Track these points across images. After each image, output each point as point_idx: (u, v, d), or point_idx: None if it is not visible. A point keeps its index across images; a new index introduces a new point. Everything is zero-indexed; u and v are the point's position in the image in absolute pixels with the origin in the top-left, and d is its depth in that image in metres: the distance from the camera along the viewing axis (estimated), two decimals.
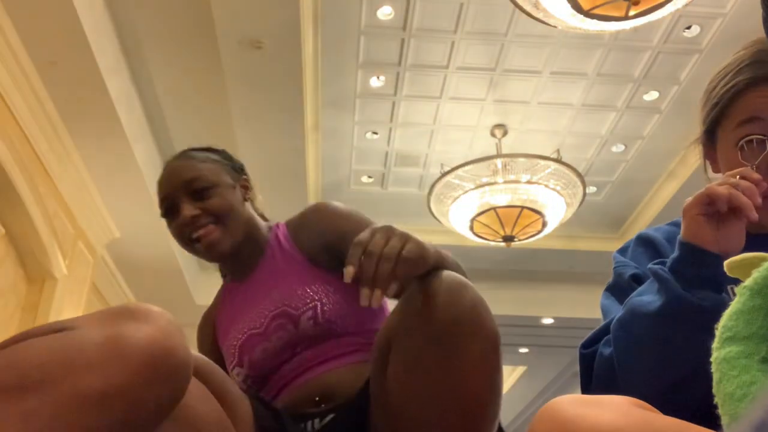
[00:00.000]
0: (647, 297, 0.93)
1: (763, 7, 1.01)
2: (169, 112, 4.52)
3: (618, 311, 1.00)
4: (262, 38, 3.80)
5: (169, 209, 1.39)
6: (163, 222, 1.47)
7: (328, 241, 1.31)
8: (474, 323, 1.04)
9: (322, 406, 1.21)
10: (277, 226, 1.44)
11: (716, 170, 1.10)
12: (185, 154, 1.46)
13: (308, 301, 1.27)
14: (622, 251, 1.15)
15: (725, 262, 0.75)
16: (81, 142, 4.09)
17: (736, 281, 0.73)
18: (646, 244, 1.13)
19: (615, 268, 1.12)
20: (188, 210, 1.35)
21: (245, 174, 1.49)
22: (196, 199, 1.36)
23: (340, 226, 1.30)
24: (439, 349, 0.98)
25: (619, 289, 1.09)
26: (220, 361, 1.36)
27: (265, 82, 4.13)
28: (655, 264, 0.95)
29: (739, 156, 1.00)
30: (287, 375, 1.27)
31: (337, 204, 1.37)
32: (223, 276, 1.51)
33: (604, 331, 1.03)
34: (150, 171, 4.65)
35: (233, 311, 1.39)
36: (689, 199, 0.91)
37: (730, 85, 1.02)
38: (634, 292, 0.97)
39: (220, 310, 1.46)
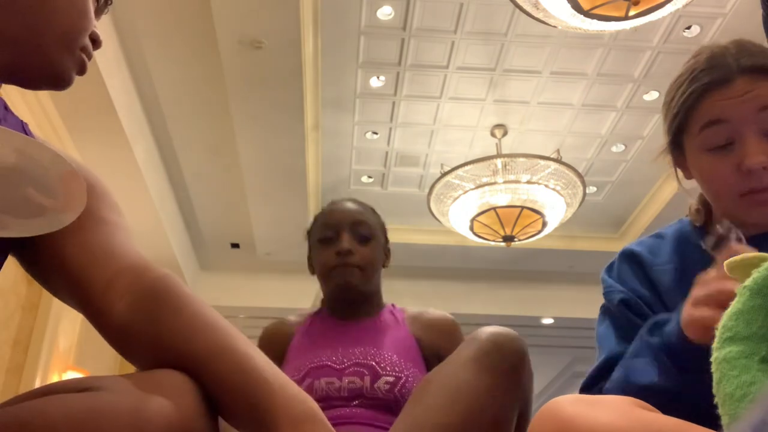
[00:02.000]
0: (640, 364, 0.92)
1: (763, 7, 1.01)
2: (169, 112, 4.52)
3: (612, 343, 1.04)
4: (262, 38, 3.79)
5: (329, 237, 1.54)
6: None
7: (442, 354, 1.35)
8: None
9: None
10: (393, 305, 1.59)
11: (689, 176, 1.10)
12: (357, 202, 1.64)
13: (398, 369, 1.37)
14: (609, 270, 1.15)
15: (725, 263, 0.75)
16: (81, 142, 4.09)
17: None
18: (630, 260, 1.12)
19: (604, 292, 1.13)
20: (348, 243, 1.51)
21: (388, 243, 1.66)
22: (356, 239, 1.53)
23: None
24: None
25: (611, 313, 1.11)
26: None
27: (265, 82, 4.13)
28: (651, 327, 0.95)
29: (708, 159, 1.01)
30: (331, 417, 1.28)
31: (461, 332, 1.50)
32: (319, 310, 1.61)
33: (604, 368, 1.03)
34: (150, 171, 4.65)
35: (321, 338, 1.49)
36: (690, 316, 0.85)
37: (687, 93, 1.02)
38: (629, 353, 0.97)
39: (306, 328, 1.54)
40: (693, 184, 1.13)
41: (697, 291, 0.84)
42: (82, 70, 0.83)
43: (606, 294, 1.12)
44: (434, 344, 1.45)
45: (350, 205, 1.60)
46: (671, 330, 0.89)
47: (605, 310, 1.12)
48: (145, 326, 0.70)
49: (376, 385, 1.33)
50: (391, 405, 1.32)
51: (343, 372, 1.36)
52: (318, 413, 0.65)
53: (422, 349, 1.45)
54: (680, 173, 1.12)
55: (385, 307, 1.58)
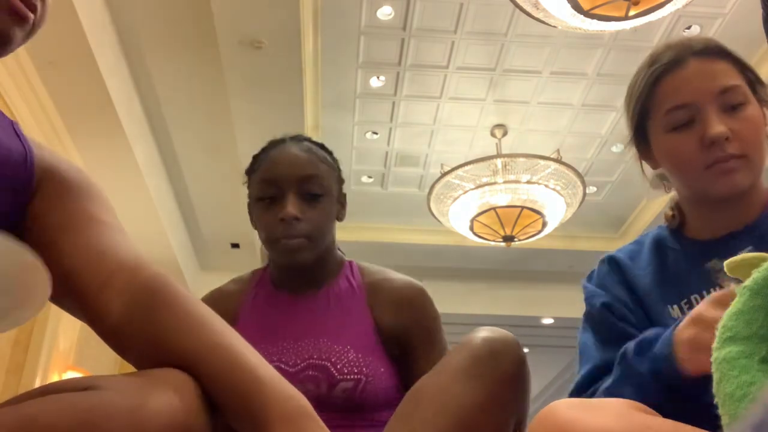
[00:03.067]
0: (627, 393, 0.89)
1: (763, 7, 1.02)
2: (169, 112, 4.52)
3: (594, 352, 1.03)
4: (262, 38, 3.79)
5: (272, 196, 1.29)
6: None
7: (406, 336, 1.26)
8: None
9: None
10: (351, 265, 1.37)
11: (654, 166, 1.13)
12: (305, 146, 1.35)
13: (356, 369, 1.20)
14: (589, 278, 1.16)
15: (725, 263, 0.75)
16: (81, 142, 4.09)
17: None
18: (610, 266, 1.13)
19: (586, 299, 1.12)
20: (293, 208, 1.26)
21: (343, 187, 1.41)
22: (304, 200, 1.28)
23: (427, 330, 1.28)
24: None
25: (592, 320, 1.09)
26: None
27: (265, 82, 4.12)
28: (637, 347, 0.93)
29: (672, 138, 1.04)
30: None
31: (431, 302, 1.32)
32: (263, 276, 1.42)
33: (589, 377, 1.03)
34: (150, 171, 4.65)
35: (271, 323, 1.29)
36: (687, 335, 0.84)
37: (647, 76, 1.07)
38: (613, 379, 0.96)
39: (250, 306, 1.35)
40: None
41: (701, 309, 0.84)
42: (20, 20, 0.72)
43: (587, 300, 1.11)
44: (395, 326, 1.26)
45: (296, 151, 1.32)
46: (660, 353, 0.87)
47: (587, 318, 1.11)
48: (139, 325, 0.70)
49: (333, 393, 1.18)
50: (351, 408, 1.19)
51: (297, 377, 1.19)
52: (310, 410, 0.66)
53: (381, 332, 1.25)
54: (646, 166, 1.16)
55: (342, 270, 1.35)
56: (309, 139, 1.39)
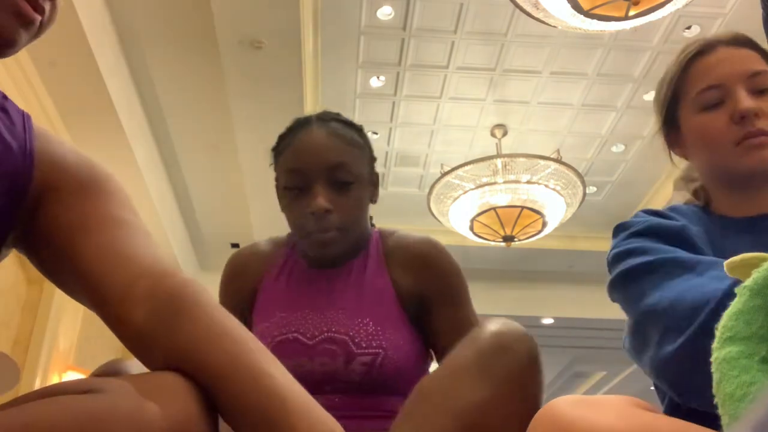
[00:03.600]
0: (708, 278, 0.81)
1: (763, 7, 1.02)
2: (169, 112, 4.52)
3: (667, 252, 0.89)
4: (262, 38, 3.79)
5: (299, 187, 1.23)
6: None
7: (425, 295, 1.22)
8: None
9: None
10: (376, 234, 1.32)
11: (682, 154, 1.17)
12: (332, 128, 1.26)
13: (375, 343, 1.16)
14: (628, 226, 1.07)
15: (725, 263, 0.75)
16: (81, 142, 4.09)
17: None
18: (670, 212, 1.10)
19: (645, 221, 1.01)
20: (323, 200, 1.19)
21: (375, 165, 1.34)
22: (333, 189, 1.21)
23: (447, 287, 1.23)
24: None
25: (666, 235, 0.96)
26: (238, 314, 1.26)
27: (265, 82, 4.12)
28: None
29: (703, 118, 1.06)
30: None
31: (448, 257, 1.26)
32: (294, 247, 1.37)
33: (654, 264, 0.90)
34: (150, 171, 4.65)
35: (293, 293, 1.26)
36: None
37: (678, 63, 1.15)
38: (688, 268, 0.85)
39: (278, 271, 1.31)
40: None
41: None
42: (25, 22, 0.71)
43: (650, 227, 0.99)
44: (413, 286, 1.22)
45: (323, 137, 1.24)
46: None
47: (641, 233, 0.99)
48: (162, 335, 0.68)
49: (350, 368, 1.15)
50: (368, 388, 1.15)
51: (314, 350, 1.16)
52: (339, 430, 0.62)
53: (400, 297, 1.22)
54: (674, 155, 1.20)
55: (370, 242, 1.30)
56: (337, 117, 1.31)
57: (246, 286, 1.31)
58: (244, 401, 0.62)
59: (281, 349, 1.17)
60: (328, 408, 1.06)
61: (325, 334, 1.18)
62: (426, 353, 1.24)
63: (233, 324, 0.69)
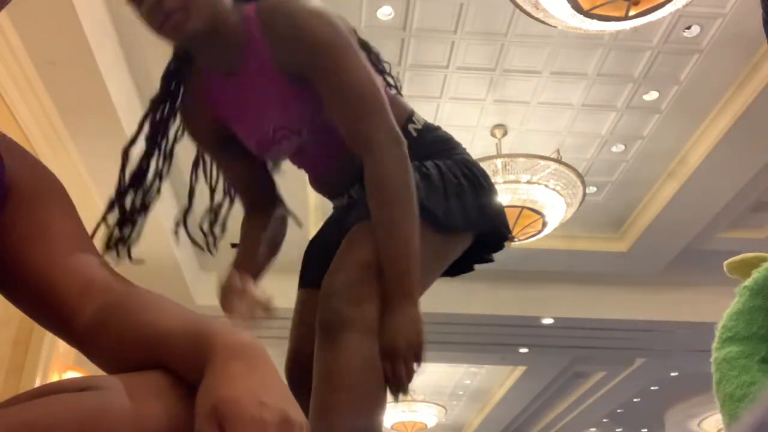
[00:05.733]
0: None
1: (763, 7, 1.02)
2: None
3: None
4: None
5: None
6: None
7: (302, 69, 1.23)
8: None
9: (338, 189, 1.39)
10: (250, 15, 1.25)
11: None
12: None
13: (302, 122, 1.30)
14: None
15: (725, 263, 0.75)
16: (81, 142, 4.09)
17: None
18: None
19: None
20: None
21: None
22: None
23: (313, 56, 1.22)
24: None
25: None
26: (222, 145, 1.44)
27: None
28: None
29: None
30: (306, 164, 1.41)
31: (321, 27, 1.24)
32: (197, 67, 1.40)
33: None
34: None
35: (233, 107, 1.34)
36: None
37: None
38: None
39: (214, 101, 1.36)
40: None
41: None
42: None
43: None
44: (290, 66, 1.23)
45: None
46: None
47: None
48: (109, 324, 0.70)
49: (301, 137, 1.32)
50: (325, 137, 1.30)
51: (275, 139, 1.32)
52: (261, 347, 0.64)
53: (290, 79, 1.24)
54: None
55: (244, 24, 1.24)
56: None
57: (204, 122, 1.41)
58: (175, 328, 0.65)
59: (261, 150, 1.35)
60: (318, 161, 1.38)
61: (270, 129, 1.31)
62: None
63: (172, 302, 0.72)
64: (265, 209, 1.54)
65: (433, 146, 1.36)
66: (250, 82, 1.28)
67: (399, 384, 1.15)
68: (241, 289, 1.30)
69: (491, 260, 1.46)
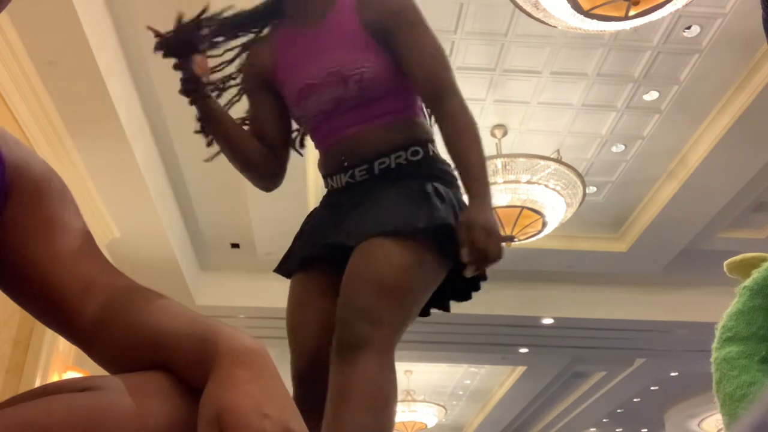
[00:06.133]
0: None
1: (763, 7, 1.02)
2: (169, 112, 4.52)
3: None
4: None
5: None
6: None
7: (388, 27, 1.45)
8: None
9: (345, 164, 1.45)
10: None
11: None
12: None
13: (357, 66, 1.43)
14: None
15: (725, 263, 0.75)
16: (81, 142, 4.09)
17: None
18: None
19: None
20: None
21: None
22: None
23: (403, 18, 1.45)
24: None
25: None
26: (265, 91, 1.57)
27: None
28: None
29: None
30: (328, 129, 1.49)
31: (414, 11, 1.47)
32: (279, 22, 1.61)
33: None
34: (150, 171, 4.65)
35: (294, 55, 1.53)
36: None
37: None
38: None
39: (278, 52, 1.56)
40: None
41: None
42: None
43: None
44: (374, 21, 1.46)
45: None
46: None
47: None
48: (111, 322, 0.70)
49: (348, 87, 1.43)
50: (363, 98, 1.44)
51: (321, 86, 1.45)
52: (266, 353, 0.63)
53: (369, 31, 1.46)
54: None
55: (334, 3, 1.53)
56: None
57: (263, 67, 1.58)
58: (181, 331, 0.65)
59: (303, 93, 1.48)
60: (345, 124, 1.46)
61: (325, 71, 1.46)
62: (400, 72, 1.47)
63: (176, 303, 0.71)
64: (277, 161, 1.61)
65: (441, 172, 1.48)
66: (325, 32, 1.49)
67: (483, 258, 1.32)
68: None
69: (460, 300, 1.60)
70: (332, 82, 1.45)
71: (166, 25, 1.50)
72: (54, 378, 4.34)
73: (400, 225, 1.33)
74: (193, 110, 1.55)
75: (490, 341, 7.64)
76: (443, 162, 1.50)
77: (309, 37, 1.51)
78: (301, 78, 1.50)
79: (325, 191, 1.57)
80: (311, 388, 1.34)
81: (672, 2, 3.05)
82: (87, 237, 0.79)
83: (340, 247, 1.38)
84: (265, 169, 1.56)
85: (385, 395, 1.22)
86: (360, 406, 1.18)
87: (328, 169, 1.52)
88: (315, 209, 1.58)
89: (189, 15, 1.51)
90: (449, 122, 1.41)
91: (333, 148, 1.50)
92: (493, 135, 5.15)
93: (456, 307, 1.63)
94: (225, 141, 1.53)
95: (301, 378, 1.37)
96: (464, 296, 1.57)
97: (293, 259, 1.50)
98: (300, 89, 1.49)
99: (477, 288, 1.54)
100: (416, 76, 1.43)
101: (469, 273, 1.34)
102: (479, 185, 1.35)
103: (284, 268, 1.53)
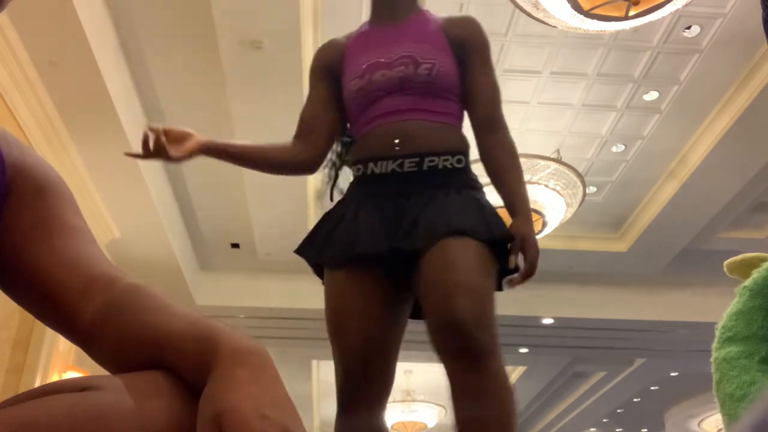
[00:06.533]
0: None
1: (763, 7, 1.02)
2: (169, 112, 4.52)
3: None
4: (262, 38, 3.79)
5: None
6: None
7: (465, 44, 1.62)
8: None
9: (397, 149, 1.48)
10: (426, 10, 1.70)
11: None
12: None
13: (431, 58, 1.55)
14: None
15: (725, 263, 0.75)
16: (81, 142, 4.09)
17: None
18: None
19: None
20: None
21: None
22: None
23: (479, 44, 1.67)
24: None
25: None
26: (328, 81, 1.65)
27: (265, 82, 4.12)
28: None
29: None
30: (386, 107, 1.52)
31: (484, 30, 1.70)
32: (362, 26, 1.73)
33: None
34: (150, 171, 4.65)
35: (369, 43, 1.63)
36: None
37: None
38: None
39: (353, 43, 1.66)
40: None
41: None
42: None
43: None
44: (457, 35, 1.62)
45: None
46: None
47: None
48: (111, 323, 0.70)
49: (417, 72, 1.52)
50: (429, 90, 1.52)
51: (392, 64, 1.54)
52: (267, 354, 0.63)
53: (449, 39, 1.60)
54: None
55: (420, 9, 1.68)
56: None
57: (332, 58, 1.67)
58: (183, 333, 0.65)
59: (370, 69, 1.55)
60: (403, 102, 1.52)
61: (399, 54, 1.56)
62: (462, 82, 1.61)
63: (177, 304, 0.71)
64: (305, 146, 1.67)
65: (476, 183, 1.61)
66: (405, 28, 1.61)
67: (531, 272, 1.45)
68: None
69: None
70: (404, 62, 1.54)
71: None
72: (54, 378, 4.34)
73: (478, 231, 1.42)
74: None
75: None
76: (474, 174, 1.61)
77: (388, 30, 1.63)
78: (371, 56, 1.58)
79: (344, 184, 1.60)
80: (361, 384, 1.42)
81: (672, 2, 3.05)
82: (87, 235, 0.79)
83: (402, 250, 1.41)
84: (294, 164, 1.66)
85: (514, 397, 1.38)
86: (500, 410, 1.33)
87: (371, 151, 1.52)
88: (349, 196, 1.56)
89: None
90: (501, 148, 1.59)
91: (385, 129, 1.51)
92: None
93: None
94: (246, 166, 1.69)
95: (350, 375, 1.43)
96: None
97: (337, 249, 1.47)
98: (369, 64, 1.56)
99: None
100: (479, 99, 1.58)
101: (515, 283, 1.46)
102: (524, 204, 1.58)
103: (317, 255, 1.52)
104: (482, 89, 1.60)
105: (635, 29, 3.47)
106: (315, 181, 5.42)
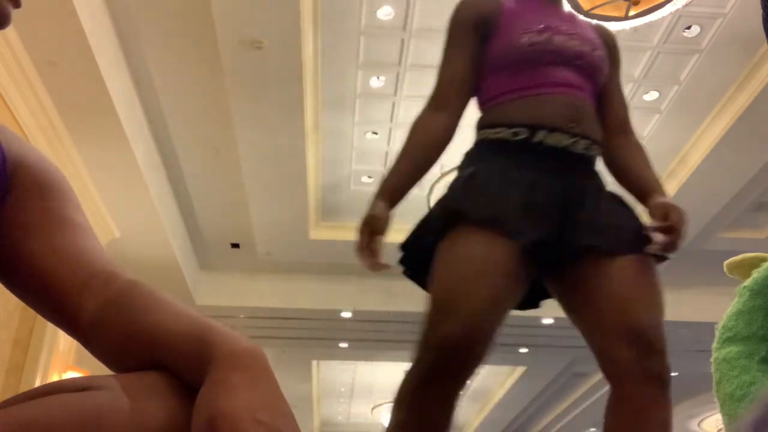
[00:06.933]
0: None
1: (763, 7, 1.02)
2: (169, 112, 4.52)
3: None
4: (262, 38, 3.80)
5: None
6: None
7: (613, 64, 1.63)
8: None
9: (571, 126, 1.41)
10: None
11: None
12: None
13: (600, 47, 1.57)
14: None
15: (725, 263, 0.75)
16: (81, 142, 4.09)
17: None
18: None
19: None
20: None
21: None
22: None
23: (618, 76, 1.66)
24: None
25: None
26: (478, 36, 1.55)
27: (265, 82, 4.12)
28: None
29: None
30: (558, 77, 1.46)
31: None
32: None
33: None
34: (150, 171, 4.65)
35: (535, 9, 1.56)
36: None
37: None
38: None
39: (511, 2, 1.59)
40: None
41: None
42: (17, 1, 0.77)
43: None
44: (608, 44, 1.63)
45: None
46: None
47: None
48: (112, 320, 0.70)
49: (594, 53, 1.52)
50: (595, 73, 1.53)
51: (573, 35, 1.51)
52: (263, 356, 0.63)
53: (603, 42, 1.62)
54: None
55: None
56: None
57: (488, 9, 1.57)
58: (178, 331, 0.65)
59: (552, 29, 1.49)
60: (570, 79, 1.48)
61: (573, 30, 1.54)
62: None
63: (177, 302, 0.71)
64: (452, 116, 1.62)
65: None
66: (562, 10, 1.61)
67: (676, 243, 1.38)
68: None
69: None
70: (582, 40, 1.53)
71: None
72: (54, 378, 4.34)
73: (646, 243, 1.40)
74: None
75: None
76: None
77: (551, 7, 1.59)
78: (544, 21, 1.52)
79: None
80: (460, 353, 1.29)
81: (672, 2, 3.06)
82: (88, 232, 0.79)
83: (571, 244, 1.36)
84: (449, 141, 1.68)
85: None
86: None
87: (542, 119, 1.41)
88: (503, 158, 1.49)
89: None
90: (637, 148, 1.61)
91: (560, 99, 1.44)
92: None
93: None
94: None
95: (446, 342, 1.28)
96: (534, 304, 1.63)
97: (492, 210, 1.37)
98: (548, 25, 1.51)
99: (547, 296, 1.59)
100: (615, 104, 1.61)
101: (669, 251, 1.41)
102: (660, 185, 1.57)
103: (489, 211, 1.39)
104: (617, 95, 1.63)
105: (635, 29, 3.47)
106: (315, 181, 5.43)
